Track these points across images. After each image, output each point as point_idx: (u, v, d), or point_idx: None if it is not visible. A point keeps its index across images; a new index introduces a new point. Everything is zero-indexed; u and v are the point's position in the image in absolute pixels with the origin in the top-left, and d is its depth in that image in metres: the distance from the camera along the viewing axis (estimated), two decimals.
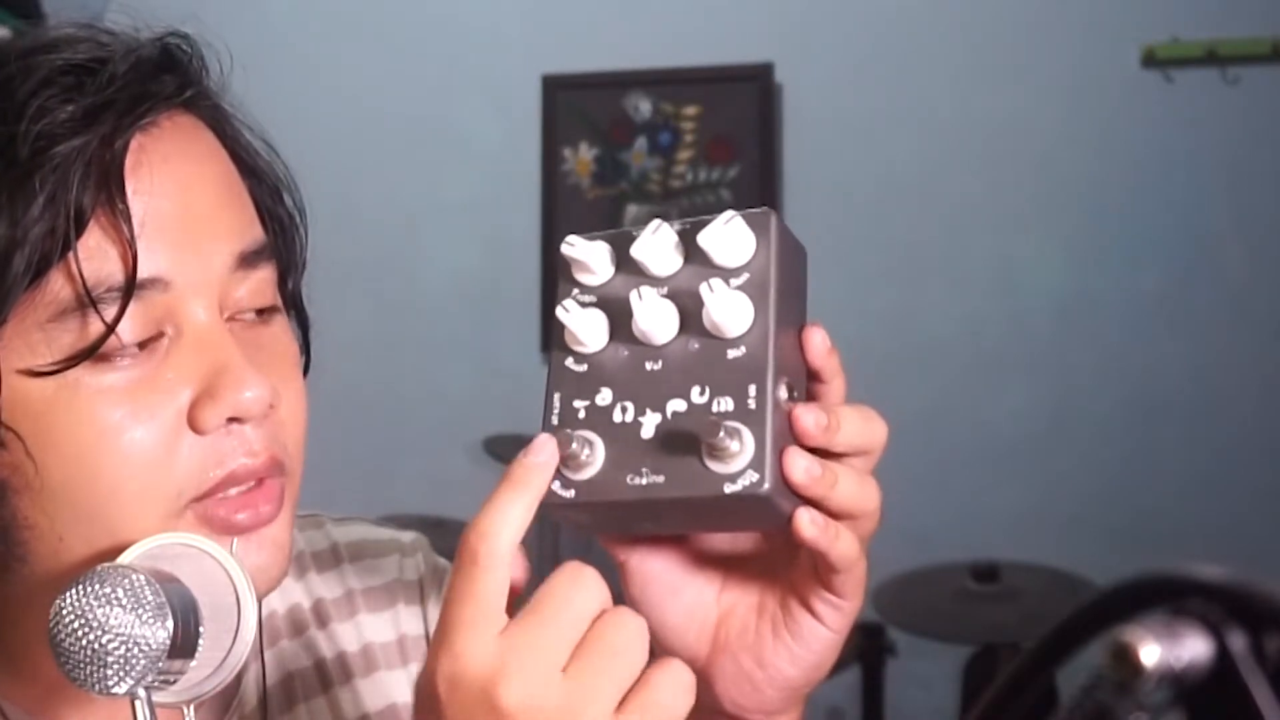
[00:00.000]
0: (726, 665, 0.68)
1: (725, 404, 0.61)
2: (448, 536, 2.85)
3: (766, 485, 0.59)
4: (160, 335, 0.67)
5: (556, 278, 0.67)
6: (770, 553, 0.69)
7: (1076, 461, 3.00)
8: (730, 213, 0.64)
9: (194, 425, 0.67)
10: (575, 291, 0.66)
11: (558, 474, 0.63)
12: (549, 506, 0.63)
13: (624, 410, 0.63)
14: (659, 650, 0.69)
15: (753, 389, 0.61)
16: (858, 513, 0.63)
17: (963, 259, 3.09)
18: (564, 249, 0.66)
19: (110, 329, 0.65)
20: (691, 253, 0.65)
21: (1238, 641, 0.37)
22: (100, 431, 0.65)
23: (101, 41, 0.70)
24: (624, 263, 0.66)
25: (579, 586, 0.59)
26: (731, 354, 0.62)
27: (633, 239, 0.65)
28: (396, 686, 0.87)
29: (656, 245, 0.64)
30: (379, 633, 0.88)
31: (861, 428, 0.63)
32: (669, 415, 0.62)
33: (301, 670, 0.85)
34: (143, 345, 0.67)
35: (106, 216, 0.65)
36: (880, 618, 2.72)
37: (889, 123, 3.11)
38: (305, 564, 0.88)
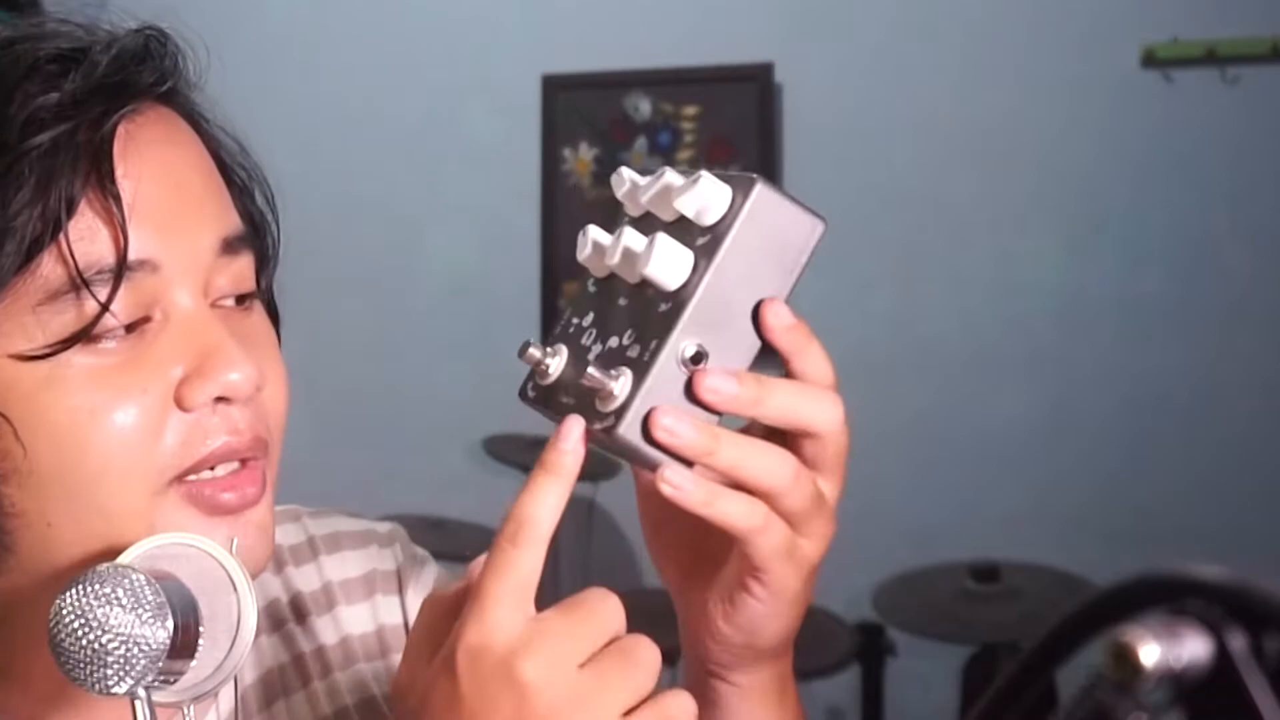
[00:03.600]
0: (686, 606, 0.73)
1: (634, 351, 0.64)
2: (448, 537, 2.87)
3: (620, 430, 0.62)
4: (148, 319, 0.68)
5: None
6: None
7: (1076, 461, 3.00)
8: (704, 173, 0.64)
9: (180, 402, 0.68)
10: (620, 216, 0.70)
11: (533, 377, 0.68)
12: (522, 398, 0.69)
13: (589, 335, 0.67)
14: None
15: (654, 343, 0.63)
16: (750, 484, 0.64)
17: (962, 259, 3.09)
18: (613, 177, 0.70)
19: (105, 307, 0.66)
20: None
21: (1237, 641, 0.37)
22: (90, 411, 0.66)
23: (82, 33, 0.71)
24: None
25: (607, 604, 0.63)
26: (662, 307, 0.64)
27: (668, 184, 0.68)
28: (376, 678, 0.87)
29: (654, 190, 0.67)
30: (357, 624, 0.88)
31: (793, 403, 0.64)
32: (605, 349, 0.66)
33: (280, 666, 0.85)
34: (131, 328, 0.68)
35: (97, 199, 0.66)
36: (880, 618, 2.72)
37: (889, 122, 3.11)
38: (283, 558, 0.89)
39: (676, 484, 0.63)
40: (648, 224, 0.67)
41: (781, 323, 0.64)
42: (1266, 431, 2.90)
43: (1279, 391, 2.90)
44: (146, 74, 0.71)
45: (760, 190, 0.64)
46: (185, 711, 0.65)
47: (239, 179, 0.78)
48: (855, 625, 2.81)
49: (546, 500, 0.63)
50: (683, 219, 0.65)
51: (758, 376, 0.64)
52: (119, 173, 0.67)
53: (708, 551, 0.71)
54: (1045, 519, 2.95)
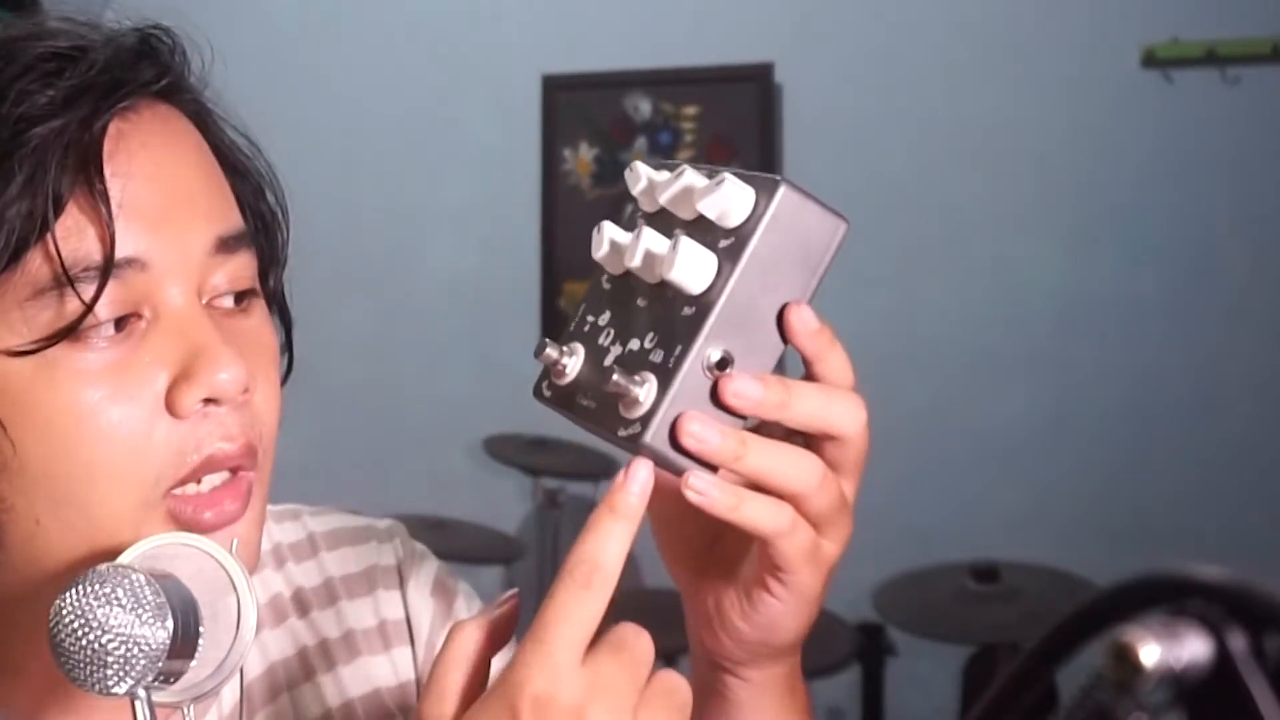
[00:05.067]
0: (698, 603, 0.72)
1: (657, 356, 0.63)
2: (448, 537, 2.88)
3: (646, 438, 0.61)
4: (139, 317, 0.68)
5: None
6: None
7: (1076, 461, 3.00)
8: (727, 175, 0.63)
9: (171, 408, 0.67)
10: (630, 210, 0.69)
11: (548, 375, 0.67)
12: (537, 397, 0.68)
13: (608, 335, 0.67)
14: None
15: (679, 348, 0.62)
16: (777, 488, 0.64)
17: (962, 259, 3.09)
18: (626, 171, 0.69)
19: (89, 307, 0.66)
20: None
21: (1238, 641, 0.37)
22: (78, 413, 0.66)
23: (83, 32, 0.71)
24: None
25: (644, 643, 0.61)
26: (685, 310, 0.63)
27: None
28: (379, 671, 0.88)
29: (674, 189, 0.66)
30: (360, 619, 0.89)
31: (819, 407, 0.64)
32: (624, 352, 0.65)
33: (284, 659, 0.86)
34: (120, 327, 0.68)
35: (85, 197, 0.66)
36: (880, 618, 2.72)
37: (889, 123, 3.11)
38: (283, 555, 0.89)
39: (702, 490, 0.62)
40: (664, 221, 0.66)
41: (807, 327, 0.64)
42: (1266, 431, 2.90)
43: (1279, 391, 2.90)
44: (144, 72, 0.71)
45: (785, 193, 0.63)
46: (185, 711, 0.65)
47: (248, 179, 0.78)
48: (855, 625, 2.81)
49: (614, 543, 0.61)
50: (703, 219, 0.64)
51: (783, 380, 0.64)
52: (108, 171, 0.67)
53: (721, 551, 0.71)
54: (1045, 519, 2.95)
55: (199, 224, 0.70)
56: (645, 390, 0.62)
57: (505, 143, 3.37)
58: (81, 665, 0.59)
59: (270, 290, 0.79)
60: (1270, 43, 2.87)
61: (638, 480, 0.62)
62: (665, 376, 0.62)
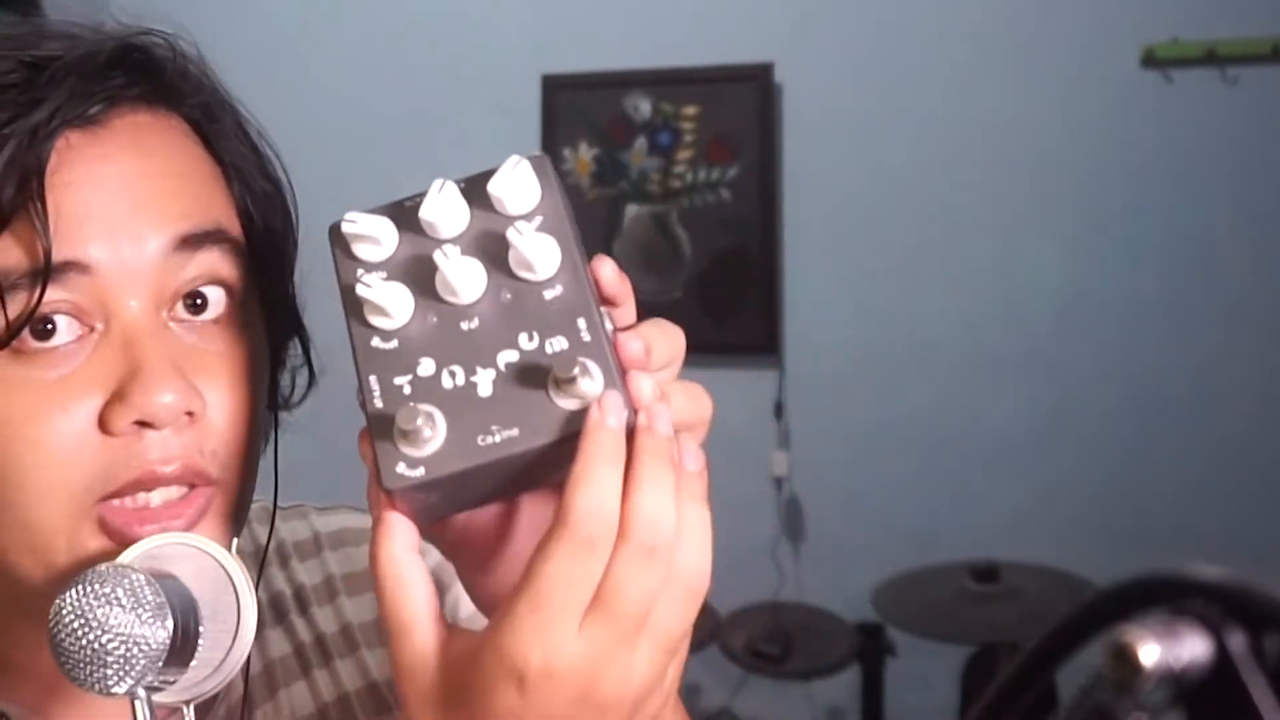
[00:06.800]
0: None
1: (559, 343, 0.61)
2: None
3: (626, 411, 0.59)
4: (91, 330, 0.68)
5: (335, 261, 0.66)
6: None
7: (1076, 461, 3.00)
8: (516, 157, 0.64)
9: (103, 426, 0.67)
10: (360, 271, 0.65)
11: (400, 455, 0.60)
12: (398, 493, 0.60)
13: (453, 375, 0.61)
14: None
15: (582, 322, 0.61)
16: (695, 422, 0.63)
17: (962, 259, 3.09)
18: (346, 226, 0.65)
19: (24, 320, 0.65)
20: (477, 206, 0.65)
21: (1237, 641, 0.37)
22: (12, 421, 0.66)
23: (72, 36, 0.71)
24: (406, 230, 0.65)
25: (646, 571, 0.57)
26: (549, 294, 0.62)
27: (409, 205, 0.65)
28: (377, 665, 0.88)
29: (445, 203, 0.64)
30: (359, 614, 0.89)
31: (669, 343, 0.64)
32: (502, 368, 0.61)
33: (282, 657, 0.86)
34: (68, 337, 0.67)
35: (27, 210, 0.66)
36: (880, 618, 2.72)
37: (889, 123, 3.11)
38: (287, 553, 0.90)
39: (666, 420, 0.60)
40: (416, 247, 0.64)
41: (617, 273, 0.64)
42: (1266, 431, 2.90)
43: (1279, 391, 2.90)
44: (115, 81, 0.70)
45: (553, 165, 0.65)
46: (185, 711, 0.65)
47: (254, 187, 0.77)
48: (855, 625, 2.81)
49: (610, 488, 0.57)
50: (480, 218, 0.64)
51: (637, 323, 0.64)
52: (55, 180, 0.66)
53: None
54: (1045, 519, 2.95)
55: (158, 226, 0.69)
56: (590, 372, 0.59)
57: (505, 143, 3.36)
58: (81, 665, 0.59)
59: (270, 298, 0.77)
60: (1270, 43, 2.87)
61: (613, 410, 0.58)
62: (594, 351, 0.60)
